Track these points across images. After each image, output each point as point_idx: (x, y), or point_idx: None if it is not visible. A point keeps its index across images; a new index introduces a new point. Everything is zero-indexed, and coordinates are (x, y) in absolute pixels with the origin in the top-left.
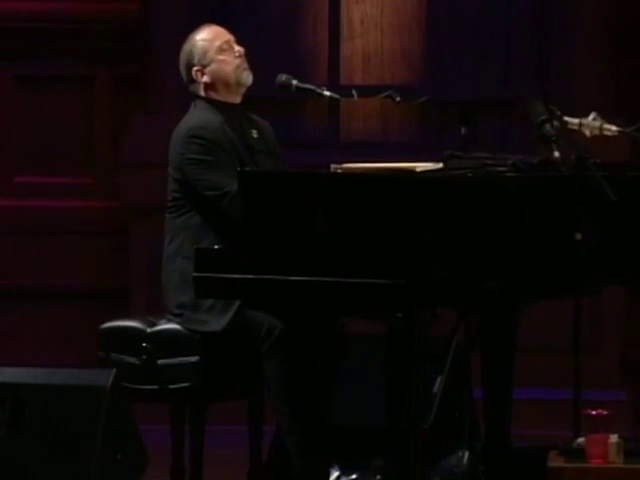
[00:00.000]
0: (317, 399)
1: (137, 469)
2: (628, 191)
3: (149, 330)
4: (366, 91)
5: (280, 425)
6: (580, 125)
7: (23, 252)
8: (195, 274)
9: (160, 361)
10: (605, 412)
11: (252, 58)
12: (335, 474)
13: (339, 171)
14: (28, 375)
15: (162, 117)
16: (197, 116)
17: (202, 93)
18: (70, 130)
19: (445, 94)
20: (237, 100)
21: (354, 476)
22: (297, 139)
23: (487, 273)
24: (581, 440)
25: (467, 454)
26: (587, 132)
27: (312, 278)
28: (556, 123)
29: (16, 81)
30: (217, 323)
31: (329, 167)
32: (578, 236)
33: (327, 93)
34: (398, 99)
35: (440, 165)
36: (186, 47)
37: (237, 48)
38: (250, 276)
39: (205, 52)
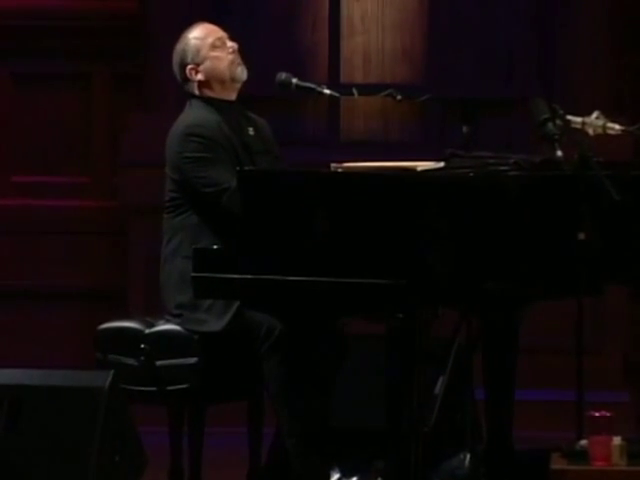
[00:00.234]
0: (317, 400)
1: (135, 471)
2: (631, 190)
3: (147, 331)
4: (367, 90)
5: (280, 427)
6: (583, 124)
7: (20, 252)
8: (194, 274)
9: (158, 362)
10: (608, 414)
11: (252, 56)
12: (335, 476)
13: (339, 170)
14: (25, 376)
15: (160, 116)
16: (193, 114)
17: (197, 92)
18: (68, 129)
19: (446, 92)
20: (232, 97)
21: (354, 478)
22: (297, 138)
23: (489, 273)
24: (584, 442)
25: (469, 456)
26: (590, 131)
27: (312, 278)
28: (559, 122)
29: (13, 79)
30: (216, 323)
31: (329, 166)
32: (581, 236)
33: (327, 92)
34: (399, 98)
35: (441, 164)
36: (179, 46)
37: (230, 44)
38: (249, 276)
39: (198, 50)
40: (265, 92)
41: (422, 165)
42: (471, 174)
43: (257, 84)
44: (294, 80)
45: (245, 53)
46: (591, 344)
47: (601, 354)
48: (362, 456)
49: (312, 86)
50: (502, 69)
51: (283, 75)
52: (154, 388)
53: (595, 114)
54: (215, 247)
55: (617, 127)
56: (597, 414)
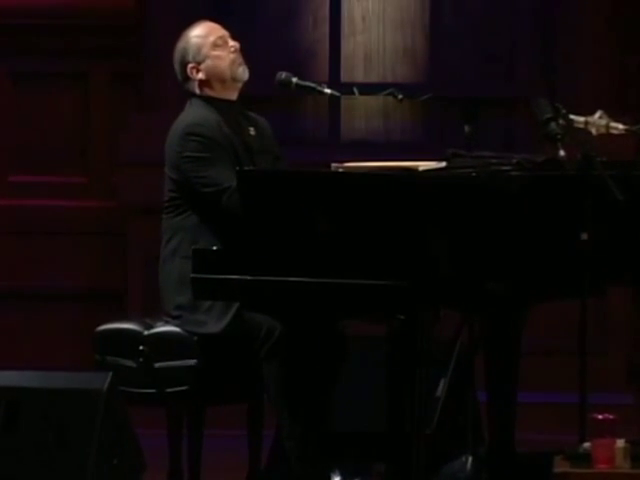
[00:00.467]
0: (317, 402)
1: (134, 474)
2: (635, 190)
3: (146, 332)
4: (367, 89)
5: (280, 429)
6: (586, 123)
7: (17, 253)
8: (193, 275)
9: (157, 364)
10: (611, 416)
11: (251, 55)
12: (336, 479)
13: (340, 170)
14: (23, 378)
15: (159, 115)
16: (193, 114)
17: (197, 91)
18: (66, 128)
19: (448, 92)
20: (233, 96)
21: None
22: (297, 138)
23: (491, 274)
24: (587, 445)
25: (471, 459)
26: (593, 130)
27: (312, 279)
28: (561, 121)
29: (11, 78)
30: (216, 325)
31: (330, 166)
32: (584, 236)
33: (328, 91)
34: (400, 97)
35: (443, 164)
36: (180, 45)
37: (232, 43)
38: (249, 277)
39: (199, 49)
40: (265, 91)
41: (424, 165)
42: (473, 174)
43: (257, 83)
44: (294, 79)
45: (245, 52)
46: (594, 346)
47: (604, 356)
48: (363, 459)
49: (312, 85)
50: (504, 68)
51: (283, 74)
52: (153, 390)
53: (598, 113)
54: (214, 248)
55: (620, 126)
56: (600, 416)
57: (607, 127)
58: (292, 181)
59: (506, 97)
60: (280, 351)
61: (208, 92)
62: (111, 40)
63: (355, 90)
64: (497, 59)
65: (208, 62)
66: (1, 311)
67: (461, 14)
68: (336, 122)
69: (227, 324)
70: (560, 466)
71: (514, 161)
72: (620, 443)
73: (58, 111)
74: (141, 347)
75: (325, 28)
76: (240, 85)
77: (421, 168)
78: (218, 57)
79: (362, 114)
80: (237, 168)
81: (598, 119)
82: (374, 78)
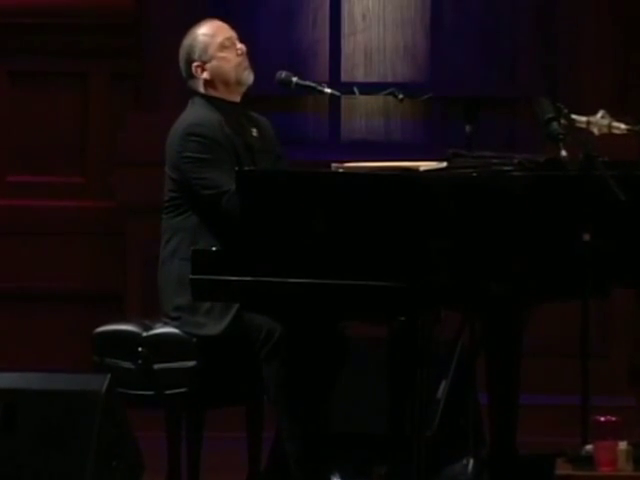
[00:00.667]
0: (317, 404)
1: (133, 476)
2: (637, 190)
3: (145, 334)
4: (368, 88)
5: (279, 431)
6: (588, 123)
7: (15, 253)
8: (192, 276)
9: (156, 366)
10: (614, 418)
11: (252, 55)
12: None
13: (340, 170)
14: (21, 380)
15: (158, 115)
16: (195, 114)
17: (201, 89)
18: (64, 128)
19: (449, 91)
20: (236, 99)
21: None
22: (297, 137)
23: (492, 275)
24: (589, 447)
25: (472, 461)
26: (595, 130)
27: (312, 280)
28: (563, 121)
29: (9, 77)
30: (215, 326)
31: (330, 166)
32: (586, 237)
33: (328, 90)
34: (401, 97)
35: (444, 164)
36: (186, 42)
37: (239, 46)
38: (249, 278)
39: (206, 48)
40: (265, 91)
41: (425, 165)
42: (474, 174)
43: (257, 83)
44: (294, 79)
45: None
46: (596, 348)
47: (607, 358)
48: (363, 461)
49: (313, 85)
50: (505, 68)
51: (283, 74)
52: (152, 392)
53: (600, 113)
54: (214, 249)
55: (622, 126)
56: (603, 419)
57: (609, 127)
58: (292, 181)
59: (507, 97)
60: (280, 352)
61: (211, 92)
62: (110, 40)
63: (355, 90)
64: (498, 58)
65: (214, 63)
66: None
67: (462, 13)
68: (336, 122)
69: (227, 325)
70: (562, 469)
71: (515, 161)
72: (622, 445)
73: (57, 111)
74: (140, 349)
75: (325, 27)
76: (244, 89)
77: (422, 168)
78: (224, 59)
79: (362, 114)
80: (237, 168)
81: (600, 119)
82: (374, 77)
